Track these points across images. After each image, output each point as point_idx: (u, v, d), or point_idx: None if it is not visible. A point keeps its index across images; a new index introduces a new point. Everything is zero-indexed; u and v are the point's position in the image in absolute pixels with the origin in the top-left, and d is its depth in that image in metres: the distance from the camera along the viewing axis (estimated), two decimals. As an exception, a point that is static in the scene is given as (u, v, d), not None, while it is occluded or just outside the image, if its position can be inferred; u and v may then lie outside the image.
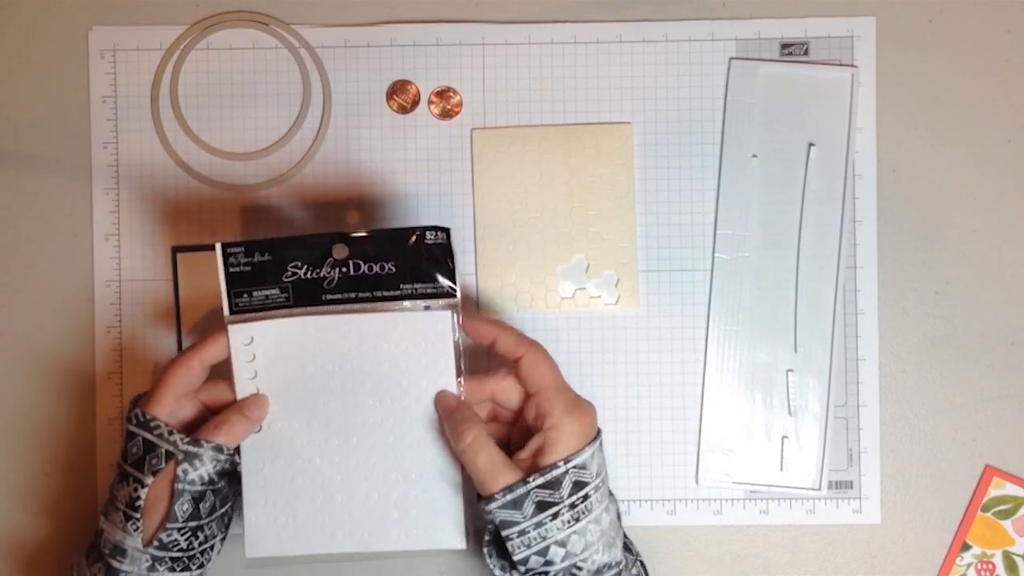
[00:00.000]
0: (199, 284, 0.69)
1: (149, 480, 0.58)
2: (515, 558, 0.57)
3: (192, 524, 0.58)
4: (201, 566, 0.60)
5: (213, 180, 0.70)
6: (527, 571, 0.58)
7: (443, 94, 0.70)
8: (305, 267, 0.60)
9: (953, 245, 0.69)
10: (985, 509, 0.69)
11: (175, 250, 0.70)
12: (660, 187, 0.69)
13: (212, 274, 0.69)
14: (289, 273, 0.60)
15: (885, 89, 0.69)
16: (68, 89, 0.70)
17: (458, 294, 0.60)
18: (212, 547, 0.61)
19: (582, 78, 0.70)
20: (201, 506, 0.59)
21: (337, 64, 0.70)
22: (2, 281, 0.70)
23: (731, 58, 0.70)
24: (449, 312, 0.60)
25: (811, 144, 0.69)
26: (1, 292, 0.70)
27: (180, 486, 0.58)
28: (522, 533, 0.57)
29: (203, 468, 0.58)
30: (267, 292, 0.60)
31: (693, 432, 0.69)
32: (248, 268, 0.60)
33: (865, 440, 0.69)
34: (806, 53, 0.69)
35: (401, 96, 0.70)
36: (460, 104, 0.70)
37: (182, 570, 0.59)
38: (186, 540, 0.58)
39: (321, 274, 0.60)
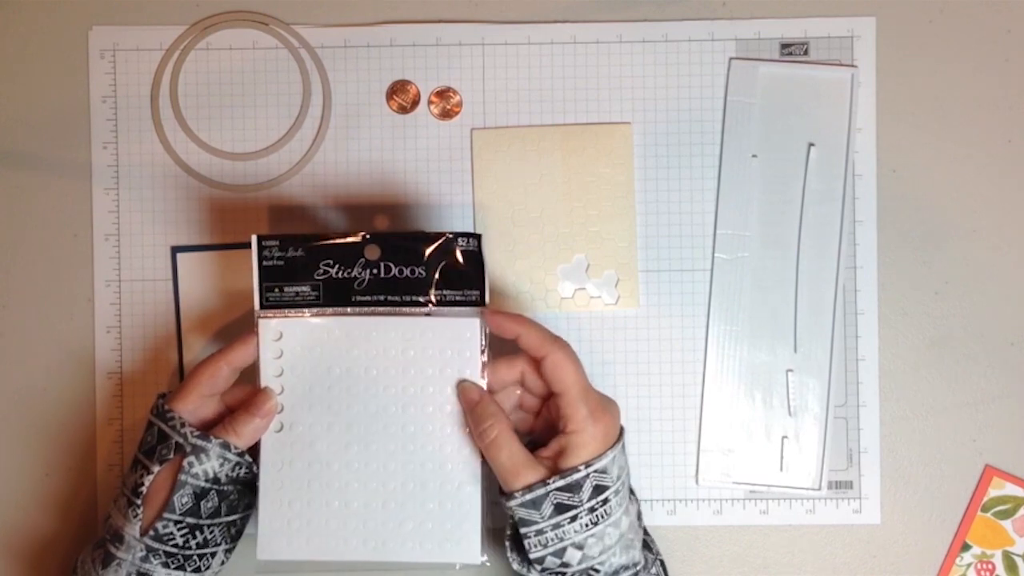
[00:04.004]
0: (199, 284, 0.69)
1: (156, 468, 0.58)
2: (531, 556, 0.57)
3: (190, 520, 0.58)
4: (197, 570, 0.60)
5: (213, 180, 0.70)
6: (543, 570, 0.58)
7: (443, 94, 0.70)
8: (337, 266, 0.60)
9: (953, 245, 0.69)
10: (985, 509, 0.69)
11: (175, 250, 0.70)
12: (660, 187, 0.69)
13: (211, 274, 0.69)
14: (321, 271, 0.60)
15: (885, 89, 0.69)
16: (68, 89, 0.70)
17: (487, 302, 0.60)
18: (213, 555, 0.60)
19: (582, 78, 0.70)
20: (202, 504, 0.58)
21: (337, 64, 0.70)
22: (2, 281, 0.70)
23: (731, 58, 0.70)
24: (477, 320, 0.60)
25: (811, 144, 0.69)
26: (1, 292, 0.70)
27: (183, 477, 0.58)
28: (539, 533, 0.57)
29: (208, 464, 0.58)
30: (298, 289, 0.60)
31: (693, 432, 0.69)
32: (281, 263, 0.60)
33: (865, 440, 0.69)
34: (806, 53, 0.69)
35: (401, 96, 0.70)
36: (460, 104, 0.70)
37: (176, 568, 0.59)
38: (182, 536, 0.58)
39: (352, 274, 0.60)
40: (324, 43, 0.70)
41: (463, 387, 0.59)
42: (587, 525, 0.57)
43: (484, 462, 0.59)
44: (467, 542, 0.60)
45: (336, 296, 0.60)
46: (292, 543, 0.60)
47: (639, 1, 0.70)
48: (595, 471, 0.57)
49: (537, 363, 0.59)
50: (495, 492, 0.60)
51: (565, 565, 0.57)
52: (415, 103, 0.70)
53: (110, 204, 0.70)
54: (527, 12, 0.70)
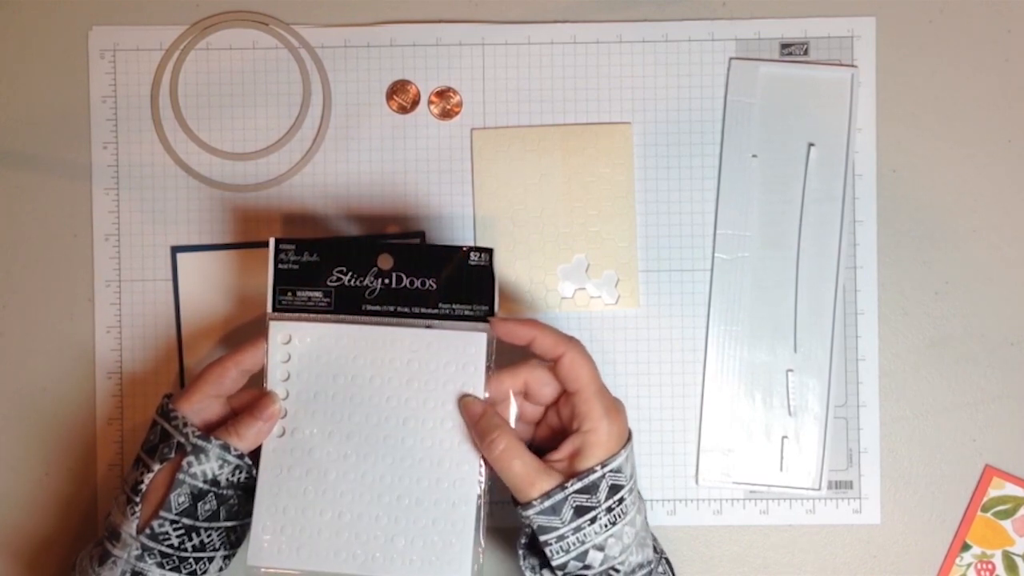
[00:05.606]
0: (199, 284, 0.69)
1: (156, 467, 0.58)
2: (554, 563, 0.57)
3: (187, 521, 0.58)
4: (193, 574, 0.59)
5: (213, 180, 0.70)
6: (565, 575, 0.57)
7: (443, 94, 0.70)
8: (350, 274, 0.60)
9: (953, 245, 0.69)
10: (985, 509, 0.69)
11: (175, 250, 0.70)
12: (660, 187, 0.69)
13: (212, 274, 0.69)
14: (334, 278, 0.60)
15: (885, 89, 0.69)
16: (68, 89, 0.70)
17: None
18: (211, 559, 0.60)
19: (582, 78, 0.70)
20: (199, 506, 0.58)
21: (337, 64, 0.70)
22: (2, 281, 0.70)
23: (731, 58, 0.70)
24: (484, 335, 0.60)
25: (811, 144, 0.69)
26: (1, 292, 0.70)
27: (181, 476, 0.58)
28: (561, 538, 0.57)
29: (208, 464, 0.58)
30: (310, 294, 0.60)
31: (693, 432, 0.69)
32: (296, 267, 0.60)
33: (865, 440, 0.69)
34: (806, 53, 0.69)
35: (401, 96, 0.70)
36: (460, 104, 0.70)
37: (171, 569, 0.58)
38: (178, 537, 0.58)
39: (364, 283, 0.60)
40: (324, 43, 0.70)
41: (464, 402, 0.59)
42: (606, 525, 0.57)
43: (482, 481, 0.59)
44: (457, 563, 0.58)
45: (347, 304, 0.60)
46: (282, 551, 0.59)
47: (639, 1, 0.70)
48: (611, 471, 0.57)
49: (549, 366, 0.59)
50: (493, 513, 0.60)
51: (587, 567, 0.57)
52: (415, 103, 0.70)
53: (110, 204, 0.70)
54: (527, 12, 0.70)
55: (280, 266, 0.60)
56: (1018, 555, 0.69)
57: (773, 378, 0.69)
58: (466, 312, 0.60)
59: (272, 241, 0.60)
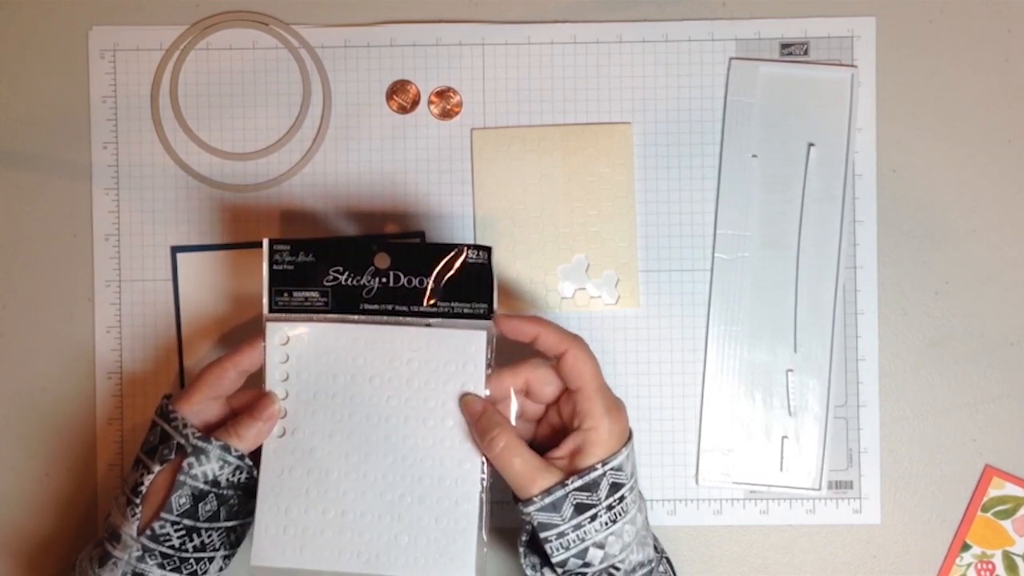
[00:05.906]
0: (199, 284, 0.69)
1: (156, 468, 0.58)
2: (554, 560, 0.57)
3: (187, 523, 0.58)
4: (194, 574, 0.59)
5: (213, 180, 0.70)
6: (565, 572, 0.58)
7: (443, 94, 0.70)
8: (347, 273, 0.60)
9: (953, 245, 0.69)
10: (985, 509, 0.69)
11: (175, 250, 0.70)
12: (660, 187, 0.70)
13: (212, 274, 0.69)
14: (330, 278, 0.60)
15: (885, 89, 0.69)
16: (68, 89, 0.70)
17: (495, 315, 0.60)
18: (211, 560, 0.60)
19: (582, 78, 0.70)
20: (200, 507, 0.58)
21: (337, 64, 0.70)
22: (2, 281, 0.70)
23: (731, 58, 0.70)
24: (483, 333, 0.59)
25: (811, 144, 0.69)
26: (1, 292, 0.70)
27: (182, 477, 0.58)
28: (561, 535, 0.57)
29: (208, 465, 0.58)
30: (307, 294, 0.60)
31: (693, 432, 0.69)
32: (291, 267, 0.60)
33: (865, 440, 0.69)
34: (806, 53, 0.69)
35: (401, 96, 0.70)
36: (460, 104, 0.70)
37: (172, 570, 0.58)
38: (179, 538, 0.58)
39: (361, 282, 0.60)
40: (324, 43, 0.70)
41: (465, 400, 0.59)
42: (606, 523, 0.57)
43: (484, 478, 0.59)
44: (460, 561, 0.58)
45: (344, 303, 0.60)
46: (286, 551, 0.59)
47: (639, 1, 0.70)
48: (611, 469, 0.57)
49: (552, 363, 0.59)
50: (494, 512, 0.60)
51: (587, 565, 0.57)
52: (415, 103, 0.70)
53: (110, 204, 0.70)
54: (527, 12, 0.70)
55: (275, 267, 0.60)
56: (1018, 555, 0.69)
57: (773, 378, 0.69)
58: (465, 310, 0.60)
59: (266, 242, 0.60)
